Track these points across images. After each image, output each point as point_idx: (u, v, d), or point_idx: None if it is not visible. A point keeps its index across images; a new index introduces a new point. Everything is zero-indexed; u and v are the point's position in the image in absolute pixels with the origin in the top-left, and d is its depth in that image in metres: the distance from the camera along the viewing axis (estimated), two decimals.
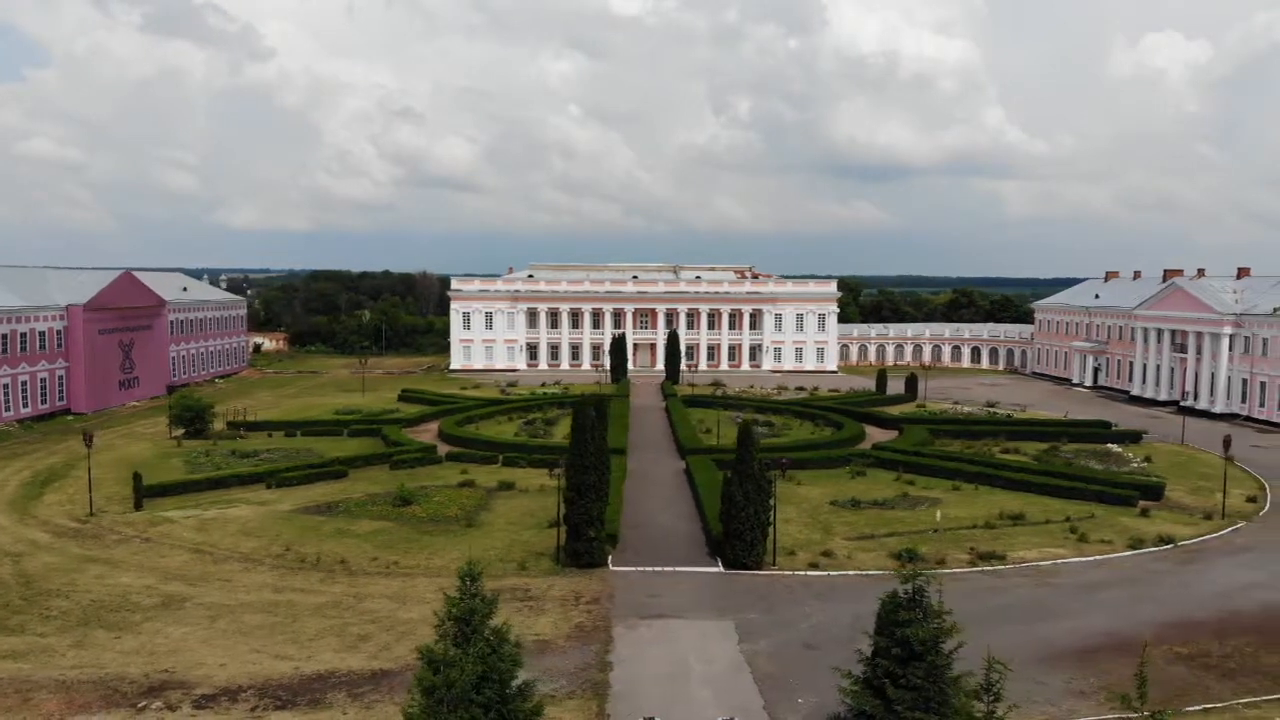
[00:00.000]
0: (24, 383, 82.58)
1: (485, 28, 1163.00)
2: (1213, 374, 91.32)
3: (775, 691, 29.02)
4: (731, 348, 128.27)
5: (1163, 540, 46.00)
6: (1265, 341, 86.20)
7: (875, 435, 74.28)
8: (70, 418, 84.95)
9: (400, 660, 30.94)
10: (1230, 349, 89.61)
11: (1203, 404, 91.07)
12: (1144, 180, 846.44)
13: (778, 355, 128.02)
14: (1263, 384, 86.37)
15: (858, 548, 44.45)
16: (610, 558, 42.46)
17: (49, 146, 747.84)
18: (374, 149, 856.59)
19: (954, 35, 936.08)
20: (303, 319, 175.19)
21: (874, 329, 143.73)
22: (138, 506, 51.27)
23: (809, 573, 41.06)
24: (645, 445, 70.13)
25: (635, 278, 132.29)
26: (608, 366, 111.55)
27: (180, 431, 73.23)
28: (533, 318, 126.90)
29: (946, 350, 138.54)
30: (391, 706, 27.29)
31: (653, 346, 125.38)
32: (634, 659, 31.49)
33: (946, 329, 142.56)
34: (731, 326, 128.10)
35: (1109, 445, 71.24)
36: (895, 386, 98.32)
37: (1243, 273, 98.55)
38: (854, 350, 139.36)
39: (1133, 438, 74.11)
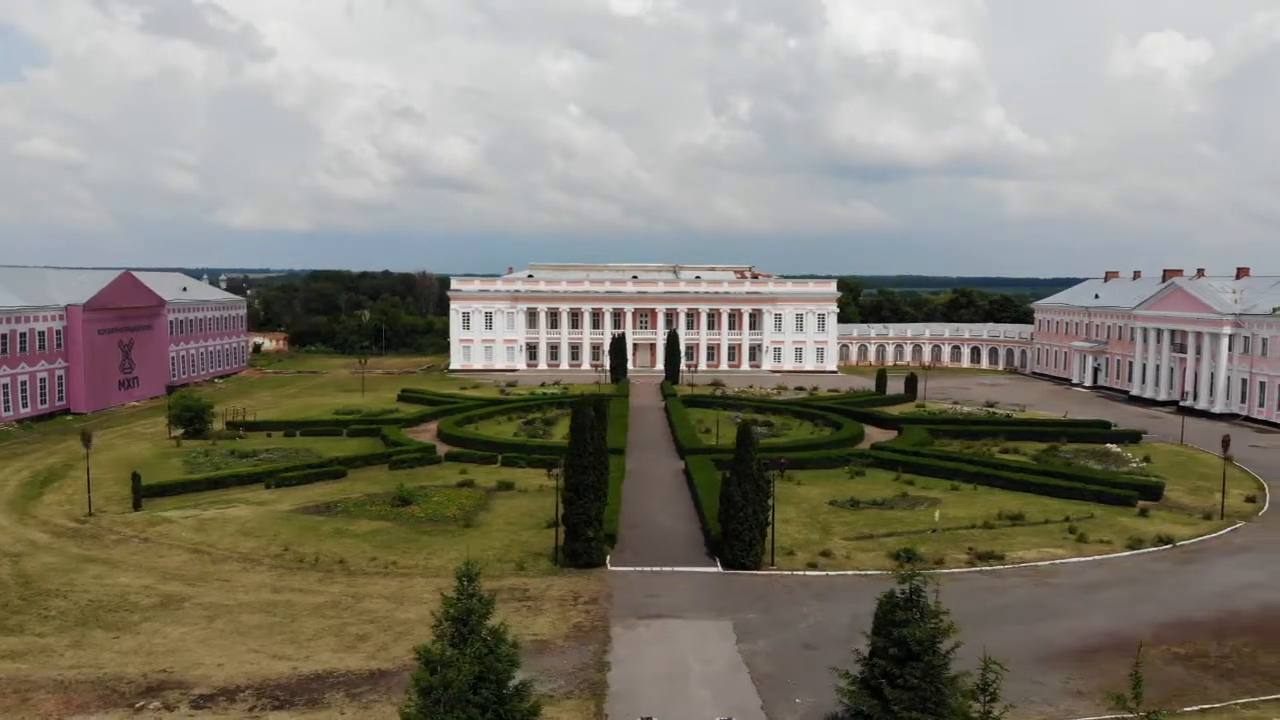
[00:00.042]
0: (23, 383, 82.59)
1: (485, 28, 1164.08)
2: (1212, 374, 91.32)
3: (773, 691, 29.02)
4: (731, 348, 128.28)
5: (1162, 540, 45.99)
6: (1265, 341, 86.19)
7: (874, 435, 74.27)
8: (70, 418, 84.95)
9: (398, 660, 30.94)
10: (1230, 349, 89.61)
11: (1202, 404, 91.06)
12: (1144, 180, 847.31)
13: (777, 355, 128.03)
14: (1262, 384, 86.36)
15: (856, 548, 44.45)
16: (609, 558, 42.46)
17: (49, 146, 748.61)
18: (374, 149, 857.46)
19: (954, 35, 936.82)
20: (302, 319, 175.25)
21: (874, 329, 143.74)
22: (136, 506, 51.27)
23: (807, 573, 41.05)
24: (645, 445, 70.14)
25: (635, 278, 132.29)
26: (607, 366, 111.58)
27: (179, 431, 73.25)
28: (532, 318, 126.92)
29: (946, 350, 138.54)
30: (389, 706, 27.30)
31: (652, 346, 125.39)
32: (632, 659, 31.48)
33: (946, 329, 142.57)
34: (731, 326, 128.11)
35: (1108, 445, 71.21)
36: (895, 386, 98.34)
37: (1242, 273, 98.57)
38: (854, 350, 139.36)
39: (1132, 438, 74.10)
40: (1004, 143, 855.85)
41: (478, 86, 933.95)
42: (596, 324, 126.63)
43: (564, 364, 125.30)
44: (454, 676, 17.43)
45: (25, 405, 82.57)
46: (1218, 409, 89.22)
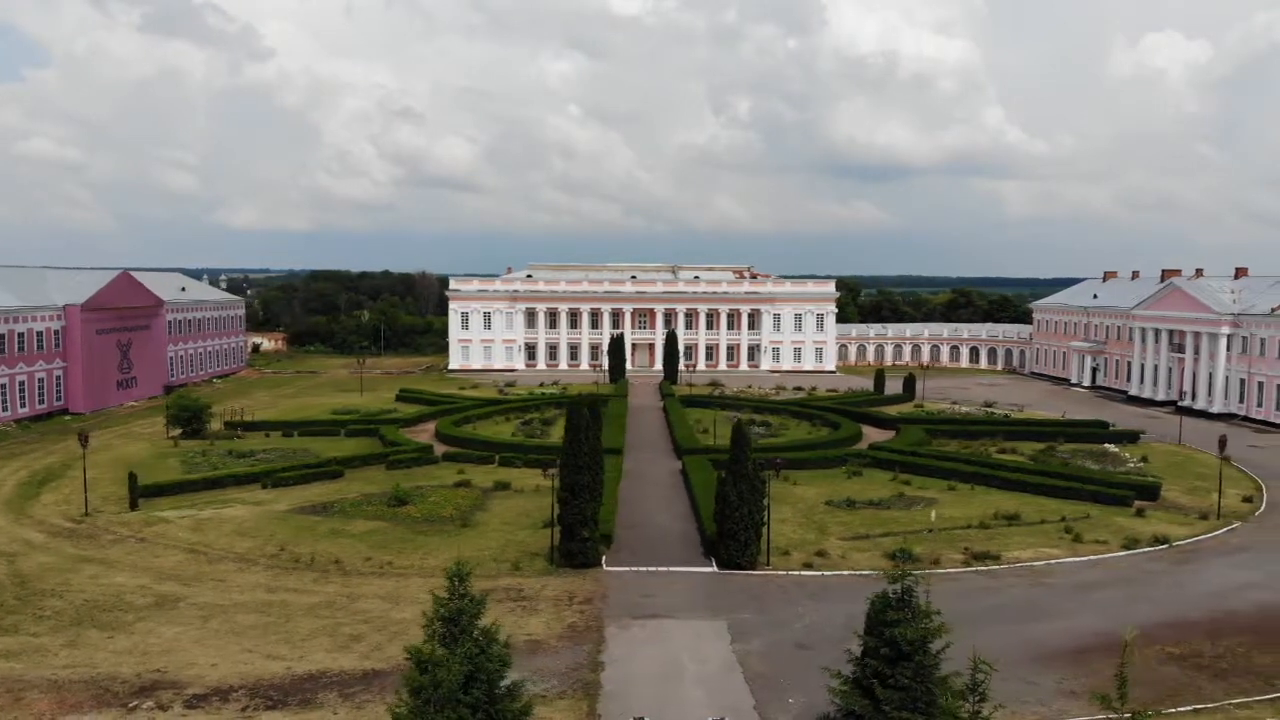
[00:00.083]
0: (21, 383, 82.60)
1: (485, 28, 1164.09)
2: (1210, 374, 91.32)
3: (766, 691, 29.02)
4: (730, 348, 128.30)
5: (1158, 540, 45.98)
6: (1263, 341, 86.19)
7: (872, 435, 74.28)
8: (68, 418, 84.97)
9: (392, 660, 30.91)
10: (1228, 349, 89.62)
11: (1200, 404, 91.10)
12: (1144, 180, 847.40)
13: (776, 355, 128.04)
14: (1260, 384, 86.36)
15: (852, 548, 44.44)
16: (604, 558, 42.44)
17: (49, 146, 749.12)
18: (374, 149, 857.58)
19: (954, 35, 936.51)
20: (302, 319, 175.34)
21: (873, 329, 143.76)
22: (133, 506, 51.26)
23: (803, 573, 41.05)
24: (642, 445, 70.15)
25: (634, 278, 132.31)
26: (606, 367, 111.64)
27: (177, 431, 73.25)
28: (531, 318, 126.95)
29: (945, 350, 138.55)
30: (382, 707, 27.27)
31: (651, 346, 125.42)
32: (626, 659, 31.48)
33: (945, 329, 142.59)
34: (730, 326, 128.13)
35: (1106, 445, 71.19)
36: (893, 386, 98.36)
37: (1241, 273, 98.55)
38: (853, 350, 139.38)
39: (1130, 438, 74.10)
40: (1004, 143, 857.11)
41: (477, 86, 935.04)
42: (595, 324, 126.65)
43: (563, 364, 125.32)
44: (444, 676, 17.45)
45: (23, 405, 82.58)
46: (1216, 409, 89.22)
